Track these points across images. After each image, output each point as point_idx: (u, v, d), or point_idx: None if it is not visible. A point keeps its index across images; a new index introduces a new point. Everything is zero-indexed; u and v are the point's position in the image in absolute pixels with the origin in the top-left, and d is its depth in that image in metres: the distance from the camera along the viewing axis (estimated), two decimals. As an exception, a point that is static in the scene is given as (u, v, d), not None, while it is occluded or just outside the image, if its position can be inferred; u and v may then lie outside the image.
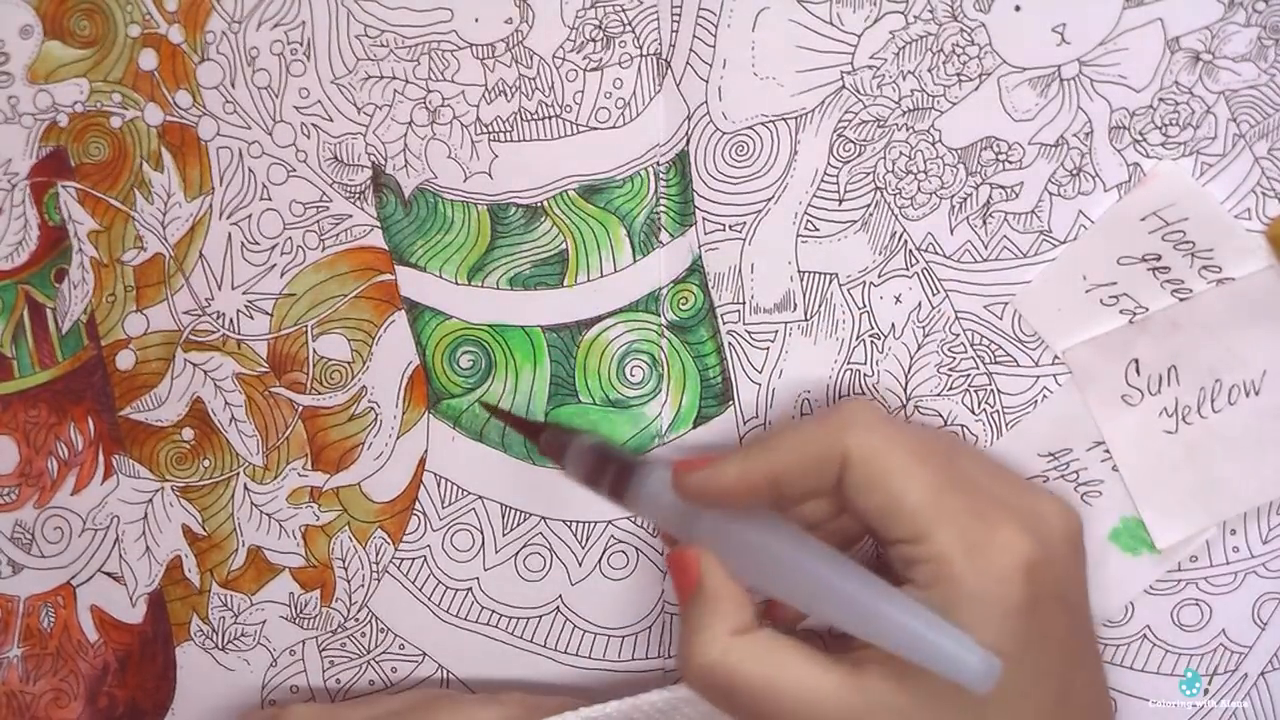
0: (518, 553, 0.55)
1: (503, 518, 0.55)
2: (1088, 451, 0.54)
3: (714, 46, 0.51)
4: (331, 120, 0.52)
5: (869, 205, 0.53)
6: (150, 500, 0.54)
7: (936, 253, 0.53)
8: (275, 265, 0.52)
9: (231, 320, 0.53)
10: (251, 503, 0.54)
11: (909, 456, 0.47)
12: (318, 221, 0.52)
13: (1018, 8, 0.51)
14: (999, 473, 0.51)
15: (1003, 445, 0.54)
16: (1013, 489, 0.49)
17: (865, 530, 0.50)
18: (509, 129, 0.52)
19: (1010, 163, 0.52)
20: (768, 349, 0.54)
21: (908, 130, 0.52)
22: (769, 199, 0.53)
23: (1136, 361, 0.53)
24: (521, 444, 0.54)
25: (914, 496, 0.46)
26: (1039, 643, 0.46)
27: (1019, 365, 0.54)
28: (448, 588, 0.55)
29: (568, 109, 0.52)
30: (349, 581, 0.55)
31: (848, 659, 0.47)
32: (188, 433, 0.54)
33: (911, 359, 0.54)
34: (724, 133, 0.52)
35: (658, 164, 0.52)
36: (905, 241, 0.53)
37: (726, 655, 0.47)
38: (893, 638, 0.44)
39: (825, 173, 0.52)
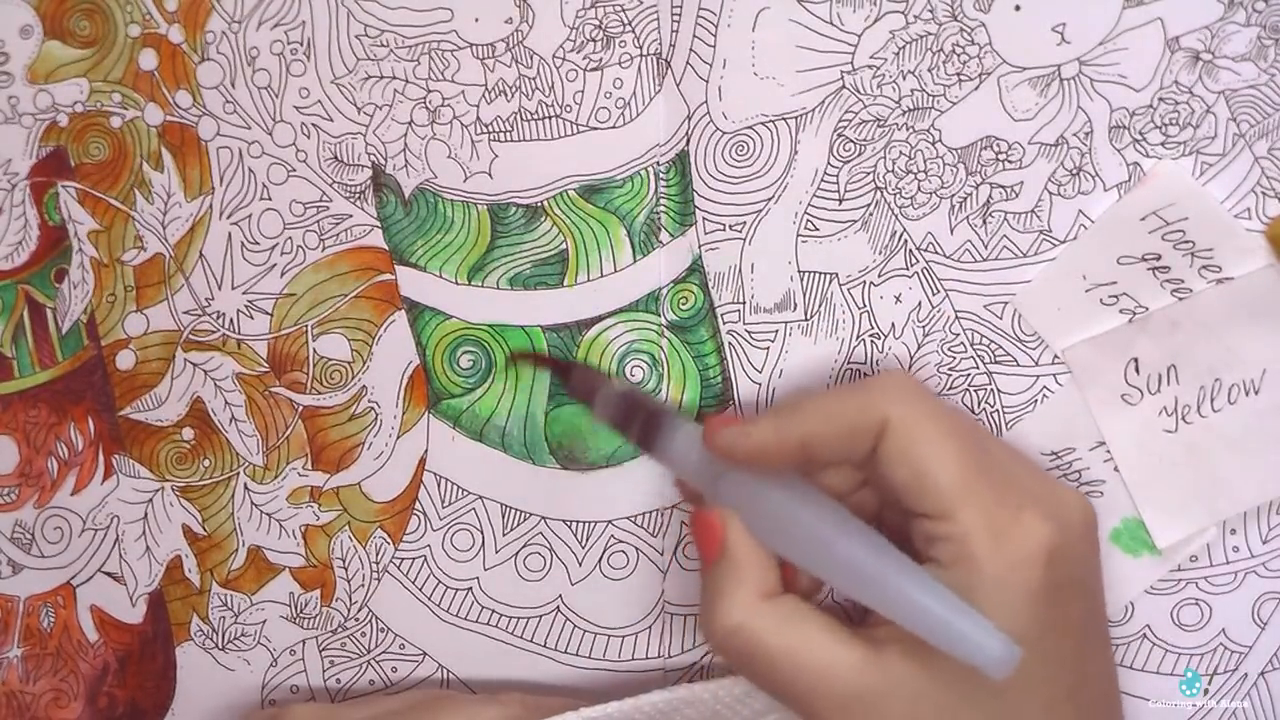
0: (518, 553, 0.55)
1: (503, 518, 0.55)
2: (1090, 451, 0.54)
3: (714, 46, 0.51)
4: (331, 120, 0.52)
5: (869, 205, 0.53)
6: (150, 500, 0.54)
7: (936, 252, 0.53)
8: (275, 265, 0.52)
9: (231, 320, 0.53)
10: (252, 502, 0.54)
11: (944, 432, 0.47)
12: (318, 221, 0.52)
13: (1018, 7, 0.51)
14: (1022, 459, 0.51)
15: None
16: (1035, 476, 0.49)
17: (891, 502, 0.49)
18: (509, 129, 0.52)
19: (1010, 162, 0.52)
20: (768, 349, 0.54)
21: (908, 130, 0.52)
22: (769, 199, 0.53)
23: (1136, 361, 0.53)
24: (522, 444, 0.54)
25: (946, 472, 0.46)
26: (1057, 629, 0.46)
27: (1019, 365, 0.54)
28: (448, 588, 0.55)
29: (568, 109, 0.52)
30: (349, 581, 0.55)
31: (868, 635, 0.47)
32: (188, 433, 0.54)
33: (911, 359, 0.54)
34: (724, 133, 0.52)
35: (658, 164, 0.52)
36: (905, 241, 0.53)
37: (751, 620, 0.47)
38: (914, 618, 0.44)
39: (825, 172, 0.52)
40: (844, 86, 0.52)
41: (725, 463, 0.48)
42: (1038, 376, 0.54)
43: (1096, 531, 0.49)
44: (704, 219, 0.53)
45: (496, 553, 0.55)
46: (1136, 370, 0.53)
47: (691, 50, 0.51)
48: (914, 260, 0.53)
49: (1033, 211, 0.53)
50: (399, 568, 0.55)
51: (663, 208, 0.52)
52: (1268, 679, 0.56)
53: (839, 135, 0.52)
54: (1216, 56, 0.51)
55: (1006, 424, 0.54)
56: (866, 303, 0.53)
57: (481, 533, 0.55)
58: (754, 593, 0.47)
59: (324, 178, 0.52)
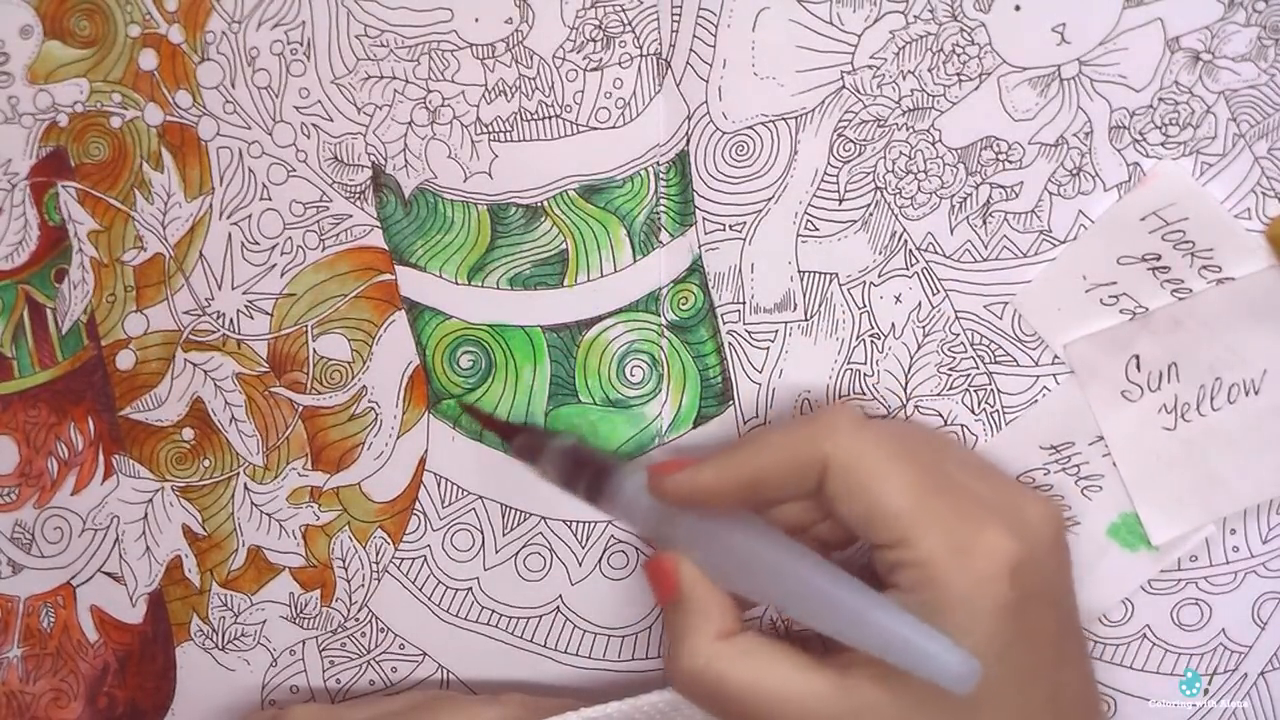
0: (518, 553, 0.55)
1: (503, 518, 0.55)
2: (1090, 446, 0.54)
3: (714, 46, 0.51)
4: (331, 120, 0.52)
5: (869, 205, 0.53)
6: (150, 500, 0.54)
7: (936, 252, 0.53)
8: (275, 265, 0.52)
9: (231, 320, 0.53)
10: (251, 503, 0.54)
11: (890, 461, 0.47)
12: (318, 221, 0.52)
13: (1018, 7, 0.51)
14: (984, 472, 0.51)
15: (1005, 436, 0.54)
16: (996, 489, 0.49)
17: (849, 534, 0.50)
18: (509, 129, 0.52)
19: (1010, 162, 0.52)
20: (768, 349, 0.54)
21: (908, 130, 0.52)
22: (769, 199, 0.53)
23: (1137, 358, 0.53)
24: (522, 444, 0.54)
25: (895, 501, 0.46)
26: (1027, 642, 0.46)
27: (1019, 365, 0.54)
28: (448, 588, 0.55)
29: (568, 109, 0.52)
30: (349, 581, 0.55)
31: (834, 661, 0.47)
32: (188, 433, 0.54)
33: (911, 359, 0.54)
34: (724, 133, 0.52)
35: (658, 164, 0.52)
36: (905, 241, 0.53)
37: (712, 661, 0.47)
38: (872, 640, 0.44)
39: (825, 172, 0.52)
40: (844, 86, 0.52)
41: (674, 508, 0.49)
42: (1038, 377, 0.54)
43: (1064, 541, 0.49)
44: (704, 219, 0.53)
45: (496, 553, 0.55)
46: (1137, 367, 0.53)
47: (691, 50, 0.51)
48: (914, 260, 0.53)
49: (1033, 212, 0.53)
50: (399, 568, 0.55)
51: (663, 208, 0.53)
52: (1268, 679, 0.56)
53: (839, 135, 0.52)
54: (1216, 56, 0.51)
55: (1006, 423, 0.54)
56: (866, 303, 0.53)
57: (481, 533, 0.55)
58: (713, 633, 0.47)
59: (324, 178, 0.52)
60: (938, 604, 0.45)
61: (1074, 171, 0.52)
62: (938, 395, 0.54)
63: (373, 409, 0.54)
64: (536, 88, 0.51)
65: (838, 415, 0.48)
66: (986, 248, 0.53)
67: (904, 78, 0.52)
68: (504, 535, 0.55)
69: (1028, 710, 0.47)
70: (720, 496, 0.48)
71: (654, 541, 0.51)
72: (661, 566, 0.49)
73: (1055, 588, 0.49)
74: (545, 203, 0.52)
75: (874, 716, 0.45)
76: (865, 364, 0.54)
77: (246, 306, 0.53)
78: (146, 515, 0.54)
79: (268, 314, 0.53)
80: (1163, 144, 0.52)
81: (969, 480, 0.49)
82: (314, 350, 0.53)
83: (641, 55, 0.51)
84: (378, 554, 0.55)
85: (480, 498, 0.55)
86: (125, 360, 0.53)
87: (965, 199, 0.53)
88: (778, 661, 0.47)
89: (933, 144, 0.52)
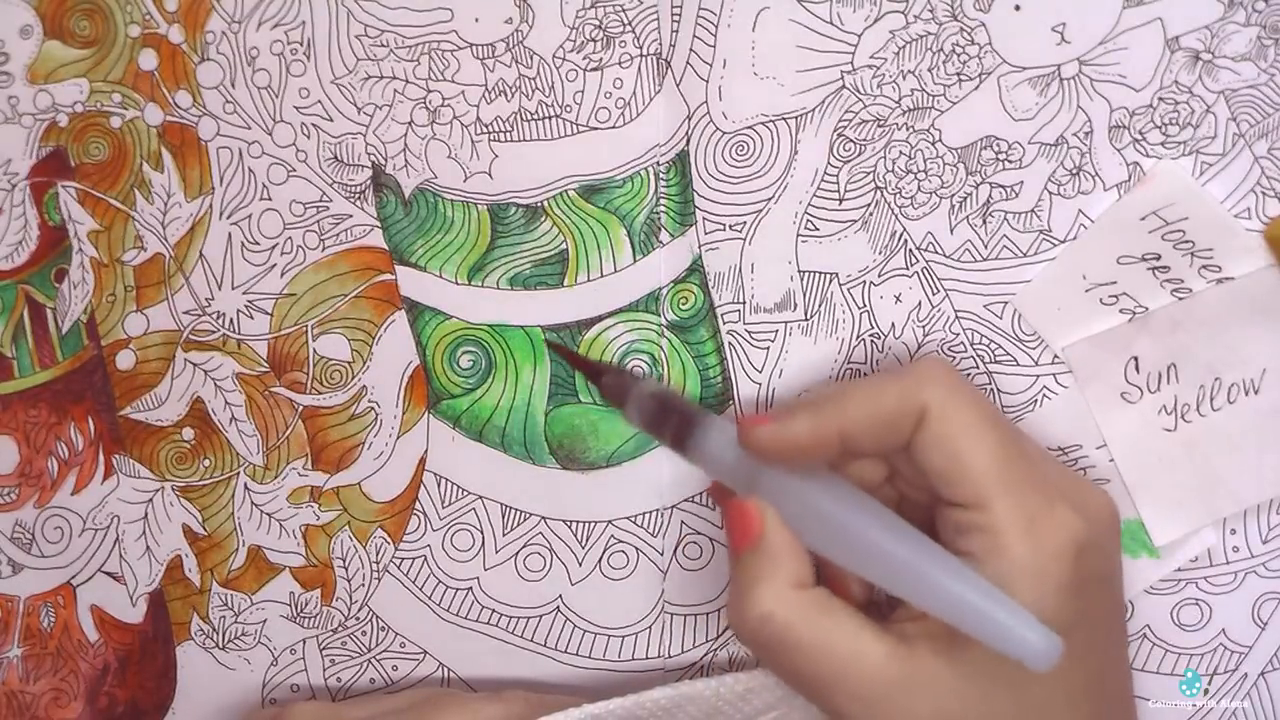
0: (518, 553, 0.55)
1: (503, 518, 0.55)
2: (1097, 449, 0.54)
3: (714, 46, 0.51)
4: (331, 120, 0.52)
5: (869, 205, 0.53)
6: (150, 500, 0.54)
7: (936, 252, 0.53)
8: (275, 265, 0.52)
9: (231, 320, 0.53)
10: (252, 502, 0.54)
11: (982, 421, 0.46)
12: (318, 221, 0.52)
13: (1017, 7, 0.51)
14: (1050, 455, 0.51)
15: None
16: (1063, 472, 0.49)
17: (919, 494, 0.49)
18: (509, 129, 0.52)
19: (1010, 162, 0.52)
20: (768, 349, 0.54)
21: (908, 130, 0.52)
22: (769, 199, 0.53)
23: (1136, 359, 0.53)
24: (522, 444, 0.54)
25: (982, 461, 0.46)
26: (1085, 621, 0.46)
27: (1019, 365, 0.54)
28: (448, 587, 0.55)
29: (568, 109, 0.52)
30: (349, 581, 0.55)
31: (897, 630, 0.47)
32: (188, 432, 0.54)
33: (912, 358, 0.54)
34: (724, 132, 0.52)
35: (658, 164, 0.52)
36: (905, 241, 0.53)
37: (781, 609, 0.46)
38: (954, 611, 0.44)
39: (825, 172, 0.52)
40: (844, 86, 0.52)
41: (761, 461, 0.48)
42: (1037, 376, 0.54)
43: (1119, 528, 0.49)
44: (704, 219, 0.53)
45: (496, 553, 0.55)
46: (1137, 369, 0.53)
47: (691, 50, 0.51)
48: (914, 260, 0.53)
49: (1033, 211, 0.53)
50: (399, 567, 0.55)
51: (663, 208, 0.53)
52: (1268, 679, 0.56)
53: (839, 135, 0.52)
54: (1216, 56, 0.51)
55: (1007, 424, 0.54)
56: (866, 302, 0.53)
57: (481, 533, 0.55)
58: (787, 582, 0.47)
59: (324, 178, 0.52)
60: (1006, 573, 0.44)
61: (1074, 171, 0.52)
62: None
63: (373, 409, 0.54)
64: (536, 88, 0.51)
65: (935, 367, 0.47)
66: (986, 247, 0.53)
67: (904, 77, 0.52)
68: (504, 535, 0.55)
69: (1075, 689, 0.47)
70: (813, 449, 0.47)
71: (732, 494, 0.50)
72: (745, 510, 0.48)
73: (1112, 572, 0.49)
74: (545, 203, 0.52)
75: (933, 685, 0.45)
76: (865, 364, 0.54)
77: (246, 306, 0.53)
78: (147, 515, 0.54)
79: (268, 314, 0.53)
80: (1162, 144, 0.52)
81: (1042, 459, 0.49)
82: (314, 350, 0.53)
83: (641, 55, 0.51)
84: (378, 553, 0.55)
85: (480, 498, 0.55)
86: (125, 360, 0.53)
87: (965, 199, 0.53)
88: (845, 621, 0.46)
89: (933, 144, 0.52)
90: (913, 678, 0.45)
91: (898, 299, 0.54)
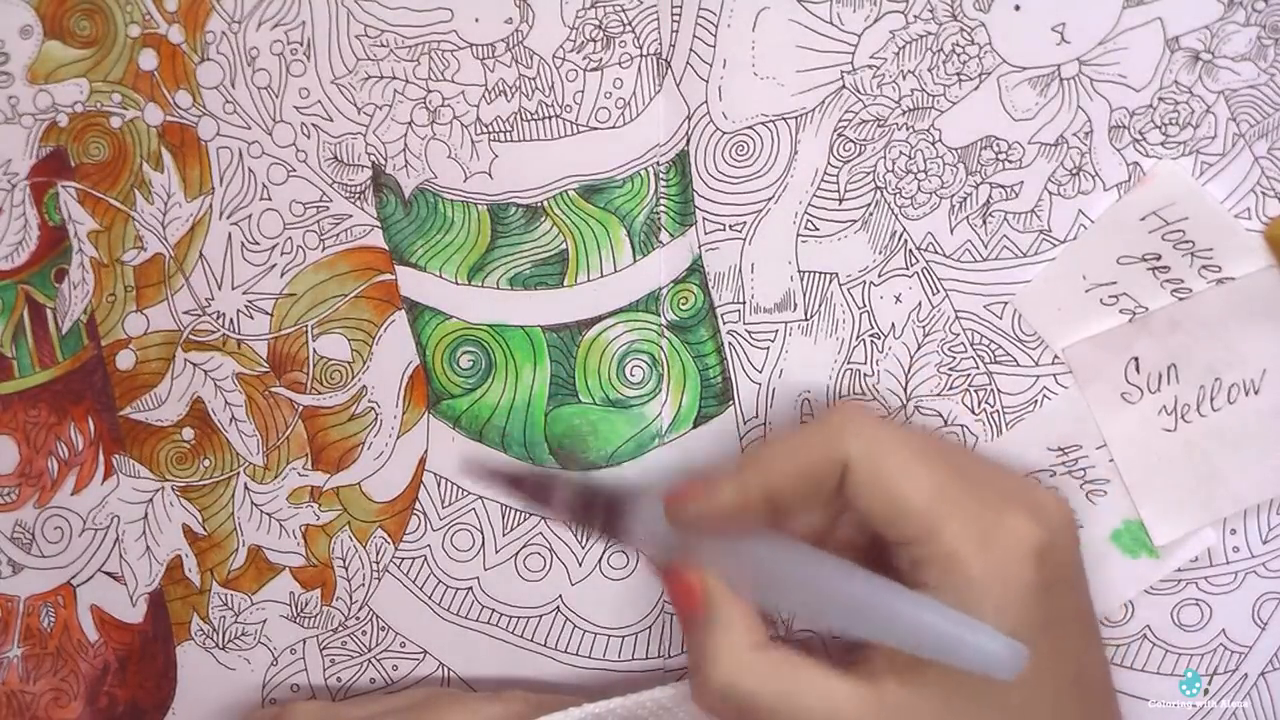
0: (518, 553, 0.55)
1: (503, 518, 0.55)
2: (1097, 450, 0.54)
3: (714, 46, 0.51)
4: (331, 120, 0.52)
5: (869, 205, 0.53)
6: (150, 500, 0.54)
7: (936, 252, 0.53)
8: (275, 265, 0.52)
9: (231, 320, 0.53)
10: (252, 502, 0.54)
11: (910, 456, 0.46)
12: (318, 221, 0.52)
13: (1017, 7, 0.51)
14: (996, 467, 0.51)
15: (1011, 437, 0.54)
16: (1011, 481, 0.50)
17: (868, 535, 0.49)
18: (509, 129, 0.52)
19: (1010, 162, 0.52)
20: (768, 349, 0.54)
21: (908, 130, 0.52)
22: (769, 199, 0.53)
23: (1136, 359, 0.53)
24: (522, 444, 0.54)
25: (919, 496, 0.46)
26: (1054, 625, 0.46)
27: (1019, 365, 0.54)
28: (448, 587, 0.55)
29: (568, 109, 0.52)
30: (349, 581, 0.55)
31: (860, 670, 0.47)
32: (188, 432, 0.54)
33: (911, 359, 0.54)
34: (724, 132, 0.52)
35: (658, 164, 0.52)
36: (905, 241, 0.53)
37: (744, 673, 0.46)
38: (912, 639, 0.44)
39: (825, 172, 0.52)
40: (844, 86, 0.52)
41: (693, 532, 0.48)
42: (1038, 377, 0.54)
43: (1076, 530, 0.49)
44: (704, 219, 0.53)
45: (496, 553, 0.55)
46: (1137, 369, 0.53)
47: (691, 50, 0.51)
48: (914, 260, 0.53)
49: (1033, 211, 0.53)
50: (399, 567, 0.55)
51: (663, 208, 0.53)
52: (1268, 679, 0.56)
53: (839, 135, 0.52)
54: (1216, 56, 0.51)
55: (1006, 424, 0.54)
56: (866, 303, 0.53)
57: (481, 533, 0.55)
58: (743, 646, 0.47)
59: (324, 178, 0.52)
60: (966, 593, 0.45)
61: (1074, 171, 0.52)
62: (938, 395, 0.54)
63: (373, 409, 0.54)
64: (536, 88, 0.51)
65: (851, 414, 0.47)
66: (986, 247, 0.53)
67: (904, 77, 0.52)
68: (504, 535, 0.55)
69: (1057, 692, 0.47)
70: (740, 513, 0.47)
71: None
72: (683, 580, 0.48)
73: (1074, 573, 0.49)
74: (545, 203, 0.52)
75: (909, 715, 0.45)
76: (865, 364, 0.54)
77: (246, 306, 0.53)
78: (146, 515, 0.54)
79: (268, 314, 0.53)
80: (1162, 144, 0.52)
81: (982, 473, 0.49)
82: (314, 350, 0.53)
83: (641, 55, 0.51)
84: (378, 553, 0.55)
85: (480, 498, 0.55)
86: (125, 360, 0.53)
87: (965, 199, 0.53)
88: (809, 672, 0.46)
89: (933, 144, 0.52)
90: (887, 714, 0.45)
91: (898, 299, 0.54)
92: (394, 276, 0.53)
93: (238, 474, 0.54)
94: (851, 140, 0.52)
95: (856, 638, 0.46)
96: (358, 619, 0.55)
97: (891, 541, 0.47)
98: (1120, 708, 0.52)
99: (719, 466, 0.50)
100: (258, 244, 0.52)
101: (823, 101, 0.52)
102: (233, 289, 0.53)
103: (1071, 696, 0.47)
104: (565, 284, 0.53)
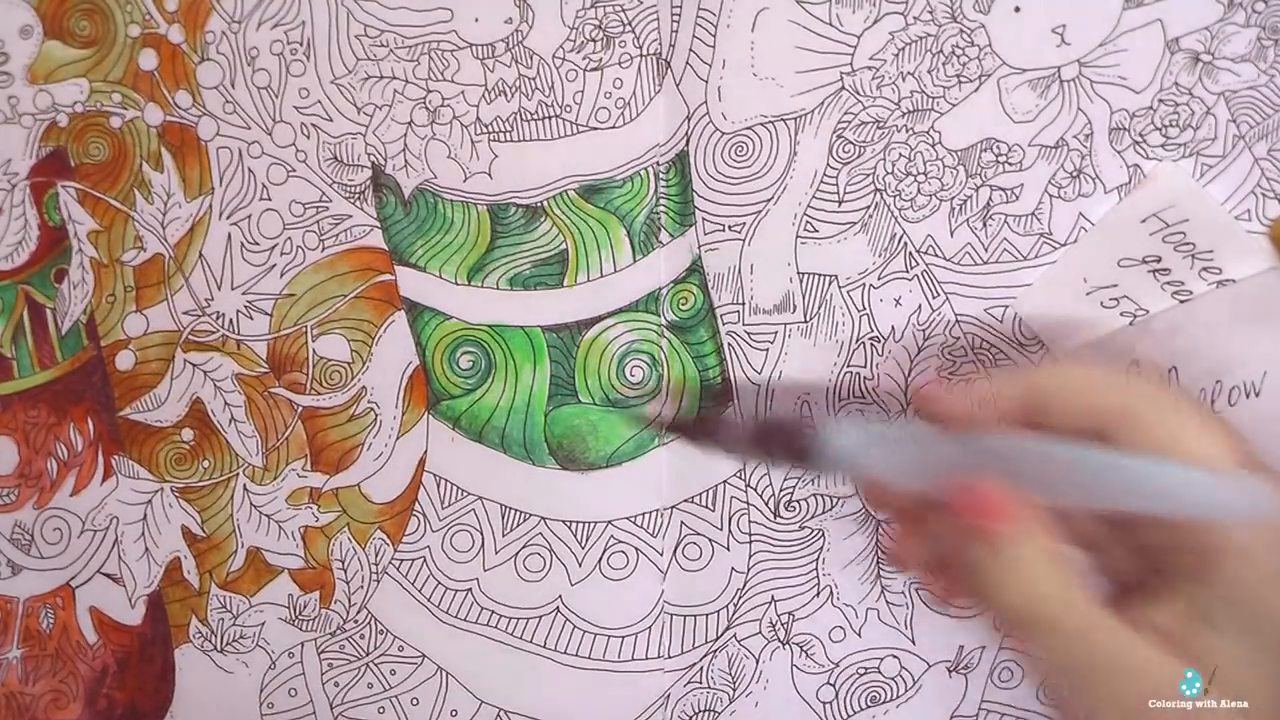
0: (517, 553, 0.55)
1: (502, 518, 0.55)
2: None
3: (714, 47, 0.51)
4: (331, 120, 0.52)
5: (869, 207, 0.53)
6: (149, 501, 0.54)
7: (936, 255, 0.53)
8: (275, 265, 0.53)
9: (231, 320, 0.53)
10: (251, 504, 0.54)
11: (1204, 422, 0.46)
12: (318, 221, 0.52)
13: (1017, 9, 0.51)
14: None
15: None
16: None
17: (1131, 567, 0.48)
18: (509, 129, 0.52)
19: (1010, 164, 0.52)
20: (767, 350, 0.54)
21: (907, 131, 0.52)
22: (769, 199, 0.53)
23: (1137, 363, 0.53)
24: (522, 444, 0.54)
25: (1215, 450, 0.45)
26: None
27: (1020, 368, 0.54)
28: (447, 588, 0.55)
29: (568, 109, 0.52)
30: (348, 583, 0.55)
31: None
32: (187, 433, 0.54)
33: (911, 362, 0.54)
34: (724, 133, 0.52)
35: (658, 164, 0.52)
36: (905, 243, 0.53)
37: (1057, 589, 0.45)
38: (1174, 496, 0.43)
39: (825, 174, 0.52)
40: (843, 88, 0.52)
41: (936, 424, 0.47)
42: (1038, 378, 0.54)
43: None
44: (704, 219, 0.53)
45: (496, 553, 0.55)
46: (1138, 372, 0.53)
47: (691, 50, 0.51)
48: (914, 263, 0.53)
49: (1033, 214, 0.53)
50: (398, 569, 0.55)
51: (663, 208, 0.53)
52: (1268, 681, 0.56)
53: (838, 136, 0.52)
54: (1216, 58, 0.51)
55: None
56: (866, 305, 0.53)
57: (481, 533, 0.55)
58: (1050, 553, 0.45)
59: (324, 178, 0.52)
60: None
61: (1074, 173, 0.52)
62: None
63: (372, 409, 0.54)
64: (536, 88, 0.51)
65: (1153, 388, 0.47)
66: (987, 250, 0.53)
67: (904, 79, 0.52)
68: (504, 535, 0.55)
69: None
70: (995, 411, 0.46)
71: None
72: (986, 492, 0.45)
73: None
74: (545, 203, 0.52)
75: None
76: (865, 367, 0.54)
77: (246, 307, 0.53)
78: (146, 516, 0.54)
79: (267, 314, 0.53)
80: (1163, 145, 0.52)
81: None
82: (314, 350, 0.53)
83: (641, 55, 0.51)
84: (377, 555, 0.55)
85: (480, 498, 0.55)
86: (125, 360, 0.53)
87: (965, 201, 0.53)
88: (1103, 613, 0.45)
89: (932, 146, 0.52)
90: (1195, 627, 0.46)
91: (898, 302, 0.54)
92: (394, 277, 0.53)
93: (237, 475, 0.54)
94: (851, 142, 0.52)
95: (1118, 508, 0.45)
96: (356, 622, 0.55)
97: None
98: None
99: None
100: (257, 244, 0.52)
101: (822, 103, 0.52)
102: (232, 289, 0.53)
103: None
104: (565, 284, 0.53)
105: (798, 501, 0.55)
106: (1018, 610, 0.45)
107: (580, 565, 0.55)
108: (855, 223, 0.53)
